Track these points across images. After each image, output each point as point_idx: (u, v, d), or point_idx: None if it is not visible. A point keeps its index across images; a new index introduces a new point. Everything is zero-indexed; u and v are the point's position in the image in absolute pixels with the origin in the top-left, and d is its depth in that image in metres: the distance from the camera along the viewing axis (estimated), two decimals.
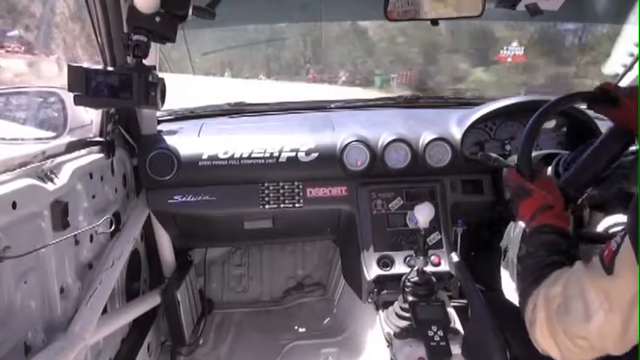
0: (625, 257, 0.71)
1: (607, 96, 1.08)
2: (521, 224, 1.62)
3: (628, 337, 0.75)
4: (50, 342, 1.10)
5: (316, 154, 1.65)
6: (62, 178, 1.18)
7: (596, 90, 1.10)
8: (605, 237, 0.96)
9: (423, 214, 1.38)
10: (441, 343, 1.32)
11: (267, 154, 1.64)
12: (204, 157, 1.63)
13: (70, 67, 0.94)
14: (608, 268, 0.74)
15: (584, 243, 1.07)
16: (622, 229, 0.74)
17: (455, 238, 1.70)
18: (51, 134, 1.35)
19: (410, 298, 1.42)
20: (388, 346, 1.42)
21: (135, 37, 0.95)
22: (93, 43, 1.32)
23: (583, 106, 1.77)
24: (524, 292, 0.93)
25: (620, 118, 1.07)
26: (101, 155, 1.45)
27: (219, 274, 2.34)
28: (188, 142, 1.68)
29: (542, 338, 0.86)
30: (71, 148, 1.32)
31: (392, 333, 1.44)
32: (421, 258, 1.42)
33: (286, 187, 1.69)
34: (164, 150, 1.62)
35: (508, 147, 1.72)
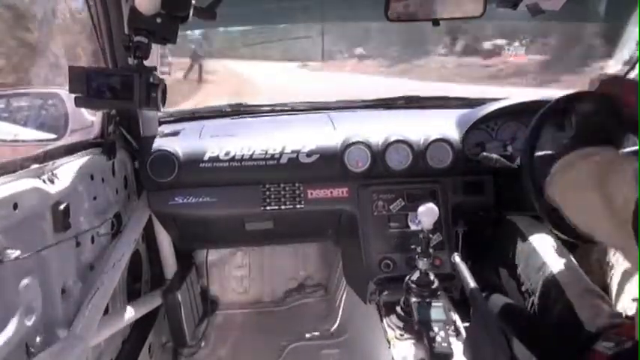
0: None
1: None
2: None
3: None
4: (51, 343, 1.10)
5: (317, 156, 1.65)
6: (63, 179, 1.18)
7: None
8: None
9: (427, 216, 1.38)
10: (443, 344, 1.31)
11: (268, 156, 1.64)
12: (205, 158, 1.63)
13: (71, 69, 0.94)
14: None
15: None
16: None
17: (456, 239, 1.69)
18: (52, 136, 1.35)
19: (412, 300, 1.42)
20: (390, 348, 1.42)
21: (136, 39, 0.95)
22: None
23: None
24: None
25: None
26: (102, 157, 1.45)
27: (220, 275, 2.34)
28: (189, 143, 1.68)
29: (551, 194, 0.87)
30: (72, 149, 1.32)
31: (393, 334, 1.44)
32: (424, 259, 1.42)
33: (287, 188, 1.68)
34: (165, 151, 1.61)
35: (509, 148, 1.72)
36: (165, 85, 1.02)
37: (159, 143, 1.64)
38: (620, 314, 0.94)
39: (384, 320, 1.50)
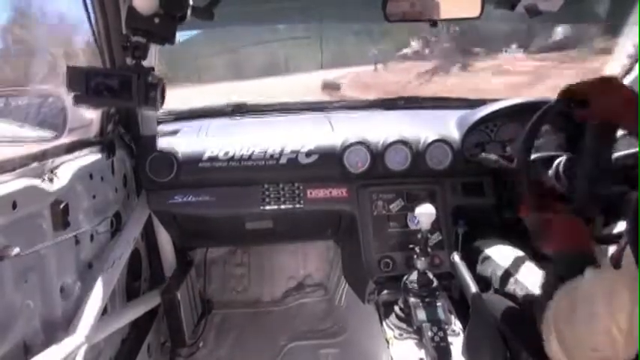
0: (630, 254, 0.71)
1: (574, 102, 1.07)
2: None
3: (633, 338, 0.74)
4: (50, 342, 1.10)
5: (316, 156, 1.65)
6: (62, 178, 1.18)
7: (561, 101, 1.08)
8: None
9: (425, 216, 1.38)
10: (441, 344, 1.32)
11: (267, 156, 1.64)
12: (205, 158, 1.63)
13: (69, 68, 0.94)
14: (617, 264, 0.73)
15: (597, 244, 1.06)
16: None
17: (456, 238, 1.69)
18: (51, 134, 1.35)
19: (411, 299, 1.42)
20: (389, 347, 1.42)
21: (134, 39, 0.95)
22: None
23: None
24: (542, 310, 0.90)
25: (595, 115, 1.04)
26: (101, 155, 1.46)
27: (219, 274, 2.34)
28: (188, 142, 1.68)
29: (554, 350, 0.84)
30: (71, 148, 1.32)
31: (392, 334, 1.44)
32: (423, 259, 1.42)
33: (286, 188, 1.68)
34: (164, 151, 1.62)
35: (509, 149, 1.72)
36: (164, 84, 1.02)
37: (158, 143, 1.64)
38: None
39: (383, 320, 1.50)
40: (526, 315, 1.27)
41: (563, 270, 0.94)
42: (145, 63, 0.98)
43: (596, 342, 0.76)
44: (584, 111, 1.05)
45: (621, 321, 0.72)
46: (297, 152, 1.65)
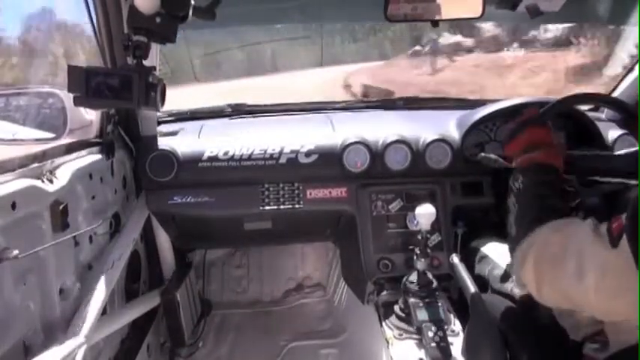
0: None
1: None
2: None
3: (613, 314, 0.77)
4: (49, 343, 1.10)
5: (316, 156, 1.65)
6: (62, 178, 1.18)
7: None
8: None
9: (424, 216, 1.38)
10: (441, 344, 1.32)
11: (267, 156, 1.64)
12: (204, 158, 1.63)
13: (70, 68, 0.94)
14: (614, 241, 0.72)
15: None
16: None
17: (455, 239, 1.69)
18: (51, 135, 1.35)
19: (411, 300, 1.42)
20: (388, 347, 1.42)
21: (135, 38, 0.95)
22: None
23: (583, 108, 1.77)
24: (522, 229, 0.93)
25: None
26: (101, 156, 1.45)
27: (218, 275, 2.34)
28: (188, 143, 1.68)
29: (526, 278, 0.89)
30: (71, 149, 1.31)
31: (392, 334, 1.44)
32: (422, 260, 1.42)
33: (286, 188, 1.68)
34: (164, 151, 1.61)
35: None
36: (165, 84, 1.01)
37: (158, 143, 1.64)
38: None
39: (383, 320, 1.50)
40: (525, 315, 1.27)
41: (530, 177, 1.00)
42: (146, 63, 0.97)
43: (574, 296, 0.78)
44: None
45: (603, 294, 0.73)
46: (296, 152, 1.65)
